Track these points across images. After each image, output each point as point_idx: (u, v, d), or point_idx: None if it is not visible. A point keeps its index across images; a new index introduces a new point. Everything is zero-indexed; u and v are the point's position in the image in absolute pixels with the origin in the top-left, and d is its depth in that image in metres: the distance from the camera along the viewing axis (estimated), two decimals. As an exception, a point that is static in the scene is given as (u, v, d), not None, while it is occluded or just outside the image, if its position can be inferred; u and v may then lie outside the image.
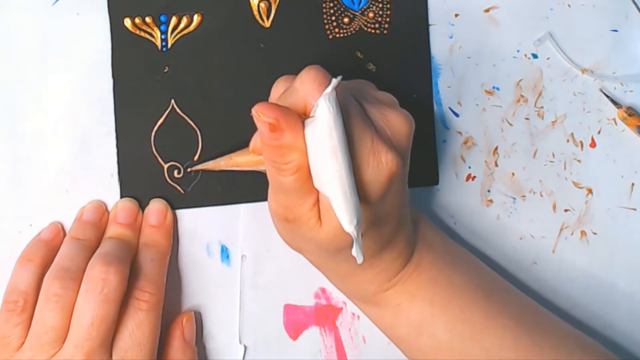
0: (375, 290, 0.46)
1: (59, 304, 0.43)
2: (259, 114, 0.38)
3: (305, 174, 0.40)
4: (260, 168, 0.46)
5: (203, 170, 0.49)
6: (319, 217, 0.41)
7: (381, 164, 0.40)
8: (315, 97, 0.39)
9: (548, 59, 0.52)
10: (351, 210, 0.38)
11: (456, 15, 0.51)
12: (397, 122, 0.42)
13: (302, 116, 0.40)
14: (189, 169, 0.49)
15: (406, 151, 0.42)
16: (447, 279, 0.46)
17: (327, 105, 0.37)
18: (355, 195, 0.38)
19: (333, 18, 0.50)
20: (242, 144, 0.49)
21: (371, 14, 0.51)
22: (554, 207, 0.52)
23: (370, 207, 0.41)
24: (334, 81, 0.37)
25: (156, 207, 0.49)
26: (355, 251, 0.39)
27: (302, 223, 0.41)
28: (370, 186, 0.40)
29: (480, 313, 0.45)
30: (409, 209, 0.46)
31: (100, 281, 0.43)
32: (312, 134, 0.38)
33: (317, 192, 0.40)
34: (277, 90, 0.43)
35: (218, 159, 0.48)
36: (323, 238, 0.41)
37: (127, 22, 0.49)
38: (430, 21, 0.51)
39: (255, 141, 0.44)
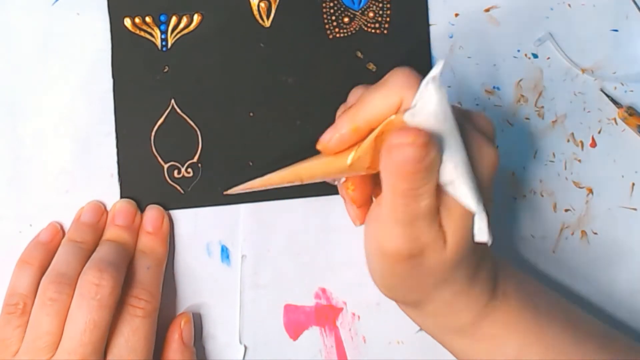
0: (473, 318, 0.44)
1: (54, 309, 0.43)
2: (410, 139, 0.35)
3: (436, 193, 0.38)
4: (335, 177, 0.42)
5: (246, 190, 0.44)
6: (445, 238, 0.39)
7: (485, 157, 0.39)
8: (412, 91, 0.37)
9: (548, 58, 0.52)
10: (476, 190, 0.37)
11: (456, 15, 0.51)
12: (480, 119, 0.41)
13: (392, 115, 0.38)
14: (224, 193, 0.46)
15: (496, 145, 0.41)
16: (534, 307, 0.45)
17: (437, 86, 0.36)
18: (475, 178, 0.38)
19: (333, 18, 0.50)
20: (242, 144, 0.49)
21: (371, 14, 0.51)
22: (554, 207, 0.52)
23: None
24: (440, 62, 0.36)
25: (152, 214, 0.49)
26: (482, 233, 0.38)
27: (429, 250, 0.39)
28: (478, 179, 0.39)
29: (569, 339, 0.44)
30: None
31: (93, 287, 0.43)
32: (424, 121, 0.37)
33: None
34: (354, 96, 0.42)
35: (270, 176, 0.41)
36: (448, 255, 0.40)
37: (127, 22, 0.49)
38: (430, 21, 0.51)
39: (330, 137, 0.40)
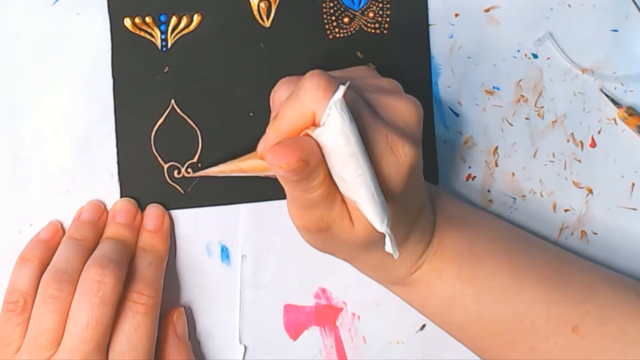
0: (406, 273, 0.46)
1: (55, 306, 0.43)
2: (281, 165, 0.37)
3: (330, 181, 0.39)
4: (268, 174, 0.45)
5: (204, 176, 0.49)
6: (350, 218, 0.41)
7: (400, 158, 0.40)
8: (322, 105, 0.38)
9: (548, 58, 0.52)
10: (380, 211, 0.38)
11: (456, 15, 0.51)
12: (406, 110, 0.41)
13: (310, 127, 0.39)
14: (189, 174, 0.49)
15: (419, 138, 0.42)
16: (470, 250, 0.46)
17: (340, 113, 0.37)
18: (381, 194, 0.38)
19: (333, 18, 0.50)
20: (242, 144, 0.49)
21: (371, 14, 0.51)
22: (554, 207, 0.52)
23: (394, 201, 0.41)
24: (342, 88, 0.37)
25: (153, 212, 0.49)
26: (390, 248, 0.39)
27: (336, 228, 0.41)
28: (392, 181, 0.40)
29: (506, 278, 0.45)
30: (425, 186, 0.46)
31: (95, 284, 0.43)
32: (328, 142, 0.38)
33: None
34: (279, 95, 0.43)
35: (221, 165, 0.47)
36: (357, 237, 0.41)
37: (127, 22, 0.49)
38: (430, 21, 0.51)
39: (263, 147, 0.43)
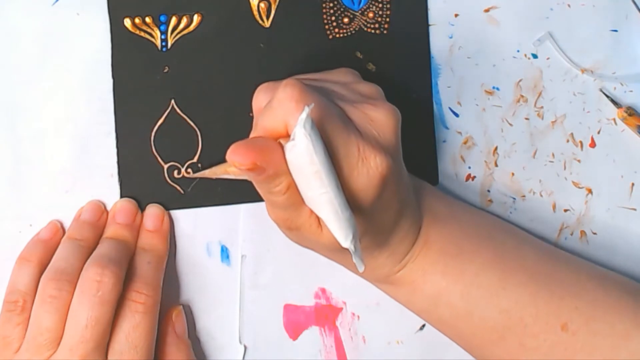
0: (389, 272, 0.46)
1: (54, 306, 0.43)
2: (235, 163, 0.38)
3: (295, 190, 0.40)
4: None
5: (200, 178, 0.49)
6: (319, 223, 0.41)
7: (371, 169, 0.40)
8: (294, 116, 0.38)
9: (548, 59, 0.52)
10: (345, 227, 0.38)
11: (456, 15, 0.51)
12: (381, 119, 0.41)
13: (283, 138, 0.39)
14: (187, 175, 0.49)
15: (395, 146, 0.42)
16: (456, 247, 0.46)
17: (304, 133, 0.37)
18: (347, 209, 0.38)
19: (333, 18, 0.50)
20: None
21: (371, 14, 0.51)
22: (554, 207, 0.52)
23: (365, 212, 0.41)
24: (307, 109, 0.37)
25: (153, 212, 0.49)
26: (356, 261, 0.39)
27: (304, 230, 0.41)
28: (363, 193, 0.40)
29: (494, 275, 0.45)
30: (411, 184, 0.46)
31: (95, 283, 0.43)
32: (294, 158, 0.38)
33: None
34: (258, 102, 0.43)
35: (214, 168, 0.47)
36: (326, 242, 0.41)
37: (127, 22, 0.49)
38: (430, 21, 0.51)
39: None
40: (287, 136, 0.40)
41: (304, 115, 0.37)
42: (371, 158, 0.40)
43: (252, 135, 0.42)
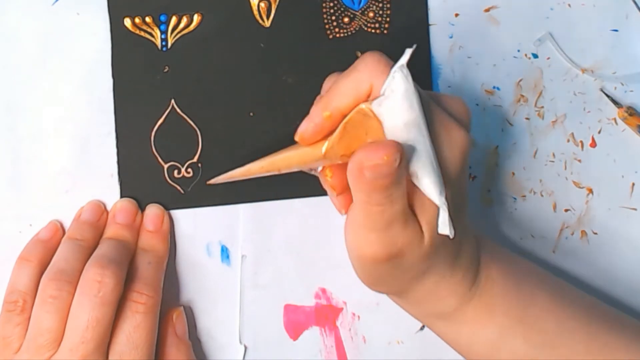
0: (456, 304, 0.44)
1: (54, 306, 0.43)
2: (382, 157, 0.36)
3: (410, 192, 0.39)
4: (311, 166, 0.42)
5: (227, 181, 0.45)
6: (420, 228, 0.40)
7: (454, 140, 0.40)
8: (382, 78, 0.38)
9: (548, 58, 0.52)
10: (439, 182, 0.38)
11: (456, 15, 0.51)
12: (457, 104, 0.42)
13: (365, 100, 0.38)
14: (207, 183, 0.47)
15: (469, 130, 0.42)
16: (517, 289, 0.45)
17: (404, 75, 0.36)
18: (439, 167, 0.38)
19: (333, 18, 0.50)
20: (242, 144, 0.49)
21: (371, 14, 0.51)
22: (554, 207, 0.52)
23: (450, 185, 0.40)
24: (409, 51, 0.36)
25: (153, 212, 0.49)
26: (445, 226, 0.38)
27: (409, 247, 0.40)
28: (447, 162, 0.40)
29: (553, 320, 0.45)
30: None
31: (96, 284, 0.43)
32: (389, 110, 0.37)
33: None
34: (330, 83, 0.42)
35: (249, 165, 0.42)
36: (427, 245, 0.40)
37: (127, 22, 0.49)
38: (430, 21, 0.51)
39: (306, 126, 0.40)
40: (366, 100, 0.38)
41: (404, 59, 0.36)
42: (454, 130, 0.40)
43: (317, 103, 0.40)
